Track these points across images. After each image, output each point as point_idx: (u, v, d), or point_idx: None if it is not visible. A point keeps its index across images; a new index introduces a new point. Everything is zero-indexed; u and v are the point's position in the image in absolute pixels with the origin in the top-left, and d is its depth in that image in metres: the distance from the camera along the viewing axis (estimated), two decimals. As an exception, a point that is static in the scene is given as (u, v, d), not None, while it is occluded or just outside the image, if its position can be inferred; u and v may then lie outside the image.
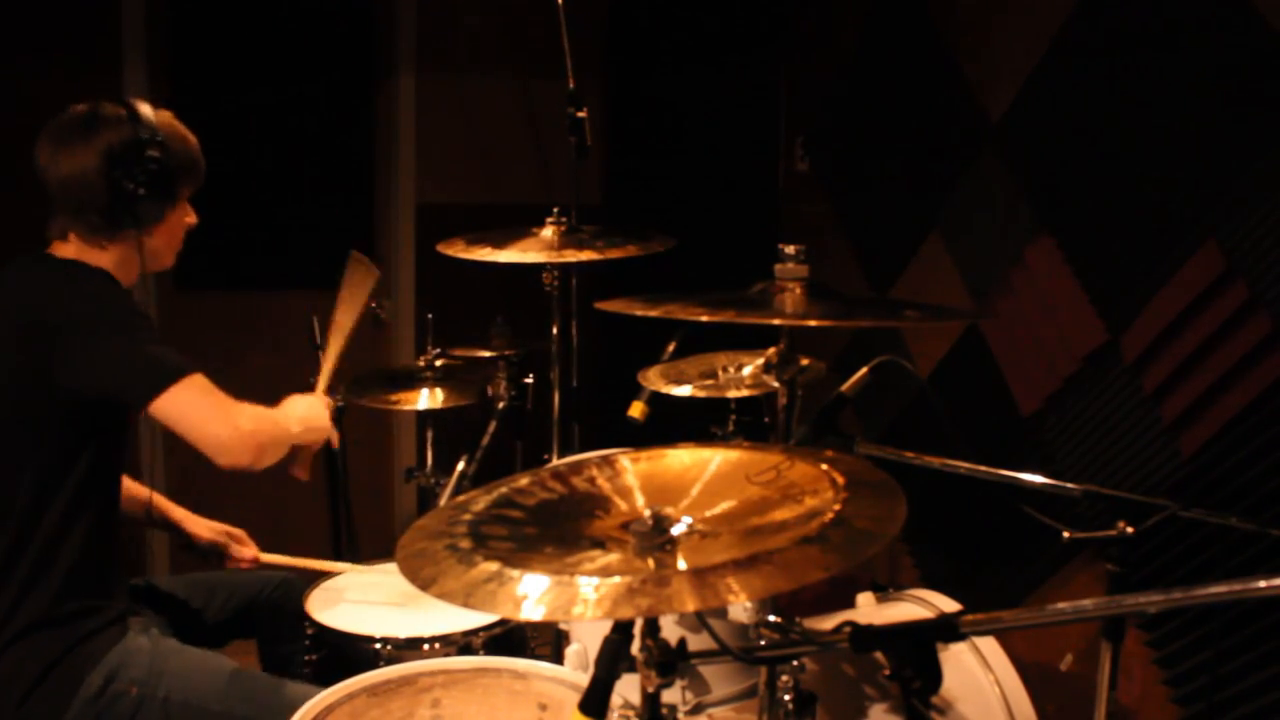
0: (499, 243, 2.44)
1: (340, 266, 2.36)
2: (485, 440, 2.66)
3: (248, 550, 2.27)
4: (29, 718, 1.78)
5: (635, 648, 1.20)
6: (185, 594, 2.22)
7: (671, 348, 2.28)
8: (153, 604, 2.15)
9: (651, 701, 1.23)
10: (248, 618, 2.27)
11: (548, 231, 2.49)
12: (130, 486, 2.19)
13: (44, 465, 1.82)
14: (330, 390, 2.25)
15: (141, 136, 1.85)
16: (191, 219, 2.01)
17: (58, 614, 1.82)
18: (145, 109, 1.89)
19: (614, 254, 2.39)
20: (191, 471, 1.89)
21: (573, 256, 2.39)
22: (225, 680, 1.88)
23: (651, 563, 1.11)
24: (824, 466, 1.23)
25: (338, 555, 2.56)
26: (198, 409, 1.80)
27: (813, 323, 1.52)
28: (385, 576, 2.25)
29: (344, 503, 2.60)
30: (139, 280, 1.97)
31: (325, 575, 2.26)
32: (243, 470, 1.85)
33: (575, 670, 1.73)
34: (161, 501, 2.25)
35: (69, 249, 1.90)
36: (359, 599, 2.17)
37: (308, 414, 2.07)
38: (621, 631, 1.22)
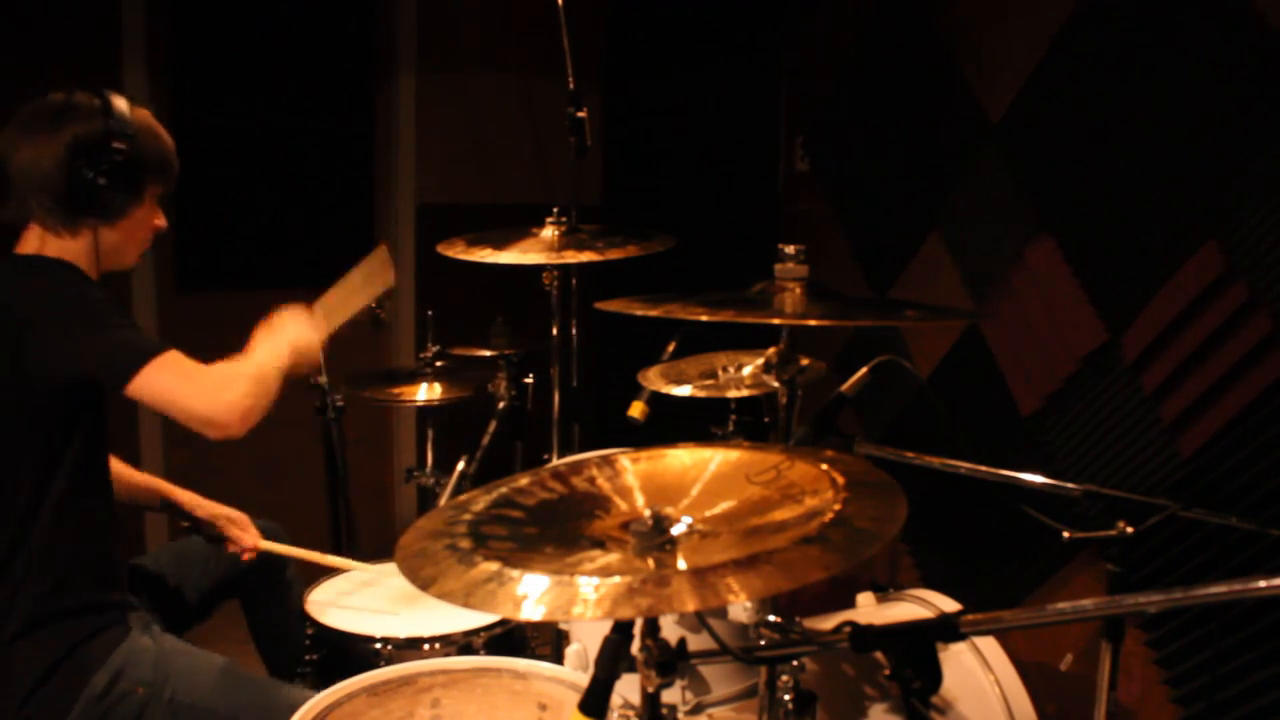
0: (499, 243, 2.44)
1: (338, 268, 2.36)
2: (485, 440, 2.66)
3: (247, 538, 2.25)
4: (33, 716, 1.78)
5: (635, 648, 1.20)
6: (162, 569, 2.21)
7: (671, 348, 2.28)
8: (134, 585, 2.11)
9: (651, 701, 1.23)
10: (229, 583, 2.28)
11: (548, 232, 2.49)
12: (135, 474, 2.20)
13: (37, 457, 1.81)
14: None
15: (110, 128, 1.82)
16: (161, 222, 1.98)
17: (58, 608, 1.82)
18: (120, 102, 1.86)
19: (614, 254, 2.38)
20: (190, 470, 1.88)
21: (573, 257, 2.38)
22: (230, 682, 1.89)
23: (651, 563, 1.11)
24: (824, 466, 1.23)
25: (337, 554, 2.56)
26: (177, 387, 1.78)
27: (813, 323, 1.52)
28: (385, 576, 2.25)
29: (344, 502, 2.60)
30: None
31: (327, 574, 2.26)
32: (233, 438, 1.82)
33: (575, 670, 1.73)
34: (165, 485, 2.26)
35: (31, 240, 1.87)
36: (359, 599, 2.17)
37: (298, 337, 2.02)
38: (621, 631, 1.22)
